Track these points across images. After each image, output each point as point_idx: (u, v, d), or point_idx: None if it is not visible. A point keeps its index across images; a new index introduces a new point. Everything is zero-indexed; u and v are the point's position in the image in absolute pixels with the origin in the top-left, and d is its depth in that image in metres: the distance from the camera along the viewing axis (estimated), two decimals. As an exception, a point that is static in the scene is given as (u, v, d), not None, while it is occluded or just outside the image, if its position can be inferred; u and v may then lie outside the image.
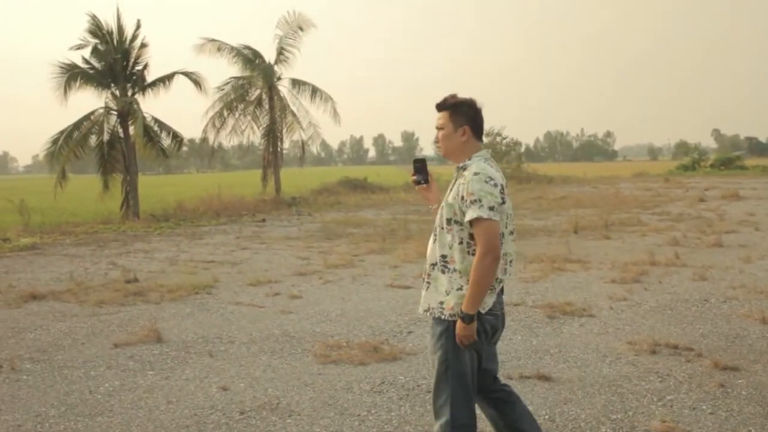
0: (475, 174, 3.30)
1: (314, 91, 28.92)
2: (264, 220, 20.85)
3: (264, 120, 28.80)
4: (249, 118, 28.55)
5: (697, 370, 5.64)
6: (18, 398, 5.37)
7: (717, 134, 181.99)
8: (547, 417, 4.72)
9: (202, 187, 38.61)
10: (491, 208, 3.23)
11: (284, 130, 28.88)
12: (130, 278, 10.50)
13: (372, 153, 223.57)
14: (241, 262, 12.23)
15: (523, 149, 53.20)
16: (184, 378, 5.77)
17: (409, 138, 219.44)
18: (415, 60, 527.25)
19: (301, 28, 28.20)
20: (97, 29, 22.08)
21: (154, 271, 11.49)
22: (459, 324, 3.29)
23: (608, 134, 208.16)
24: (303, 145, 29.84)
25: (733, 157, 57.31)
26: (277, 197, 27.32)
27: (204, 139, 28.31)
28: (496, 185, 3.30)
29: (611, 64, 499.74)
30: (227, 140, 28.65)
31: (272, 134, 28.23)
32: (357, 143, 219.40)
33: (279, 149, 29.00)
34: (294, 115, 28.98)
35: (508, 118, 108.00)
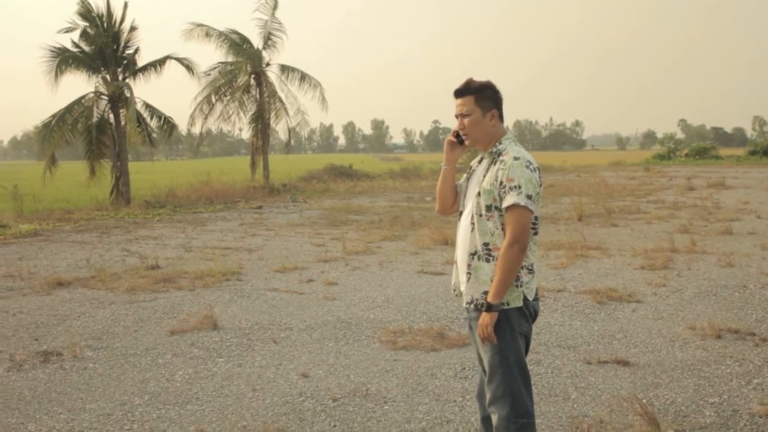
0: (515, 159, 3.21)
1: (303, 77, 28.58)
2: (261, 207, 20.65)
3: (251, 106, 28.39)
4: (236, 104, 28.10)
5: (770, 354, 5.69)
6: (94, 386, 5.24)
7: (684, 124, 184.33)
8: (645, 401, 4.72)
9: (179, 173, 38.23)
10: (529, 197, 3.15)
11: (272, 117, 28.47)
12: (153, 265, 10.33)
13: (342, 141, 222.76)
14: (258, 249, 12.10)
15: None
16: (257, 365, 5.67)
17: (379, 126, 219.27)
18: (384, 46, 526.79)
19: (275, 7, 27.73)
20: (86, 12, 21.60)
21: (171, 257, 11.32)
22: (484, 315, 3.21)
23: (577, 123, 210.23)
24: (290, 132, 29.47)
25: (708, 147, 58.48)
26: (267, 184, 27.05)
27: (191, 125, 27.83)
28: (535, 170, 3.23)
29: (580, 54, 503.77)
30: (215, 126, 28.21)
31: (261, 121, 27.83)
32: (327, 131, 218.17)
33: (268, 136, 28.59)
34: (281, 101, 28.62)
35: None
